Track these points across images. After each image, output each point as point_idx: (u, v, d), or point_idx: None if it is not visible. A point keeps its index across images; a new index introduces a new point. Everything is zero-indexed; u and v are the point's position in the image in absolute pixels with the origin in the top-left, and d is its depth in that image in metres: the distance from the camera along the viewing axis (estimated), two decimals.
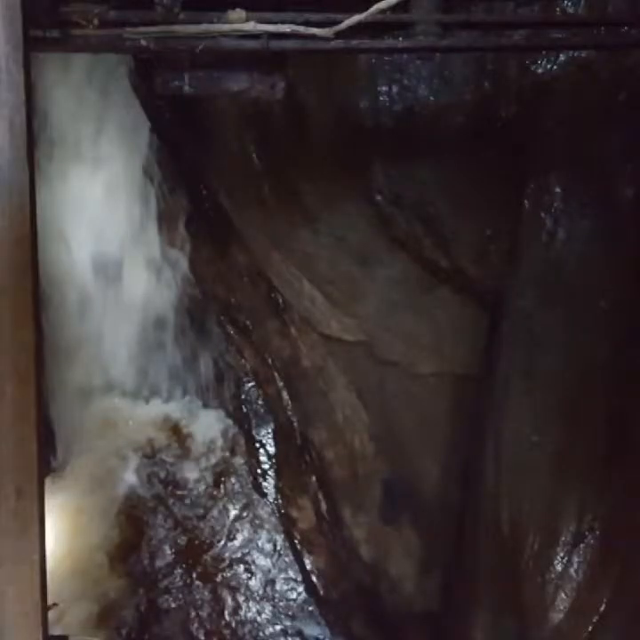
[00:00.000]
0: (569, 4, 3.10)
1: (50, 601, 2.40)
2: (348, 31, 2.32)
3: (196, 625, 4.65)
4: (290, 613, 4.70)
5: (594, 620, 3.53)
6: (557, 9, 3.10)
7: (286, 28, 2.32)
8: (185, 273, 4.88)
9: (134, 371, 4.99)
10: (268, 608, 4.72)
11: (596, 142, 3.35)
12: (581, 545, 3.55)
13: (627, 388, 3.47)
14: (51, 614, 2.40)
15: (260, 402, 4.82)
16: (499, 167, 3.59)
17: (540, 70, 3.35)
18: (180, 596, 4.68)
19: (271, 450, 4.79)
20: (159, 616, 4.63)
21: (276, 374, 4.68)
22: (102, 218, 4.73)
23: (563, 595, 3.57)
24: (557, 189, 3.46)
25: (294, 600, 4.71)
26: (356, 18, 2.28)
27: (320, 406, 4.53)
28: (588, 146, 3.37)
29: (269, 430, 4.79)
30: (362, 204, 3.94)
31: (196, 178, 4.55)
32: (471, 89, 3.47)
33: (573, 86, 3.31)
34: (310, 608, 4.69)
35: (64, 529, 4.55)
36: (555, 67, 3.33)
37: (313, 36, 2.33)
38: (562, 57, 3.30)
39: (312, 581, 4.68)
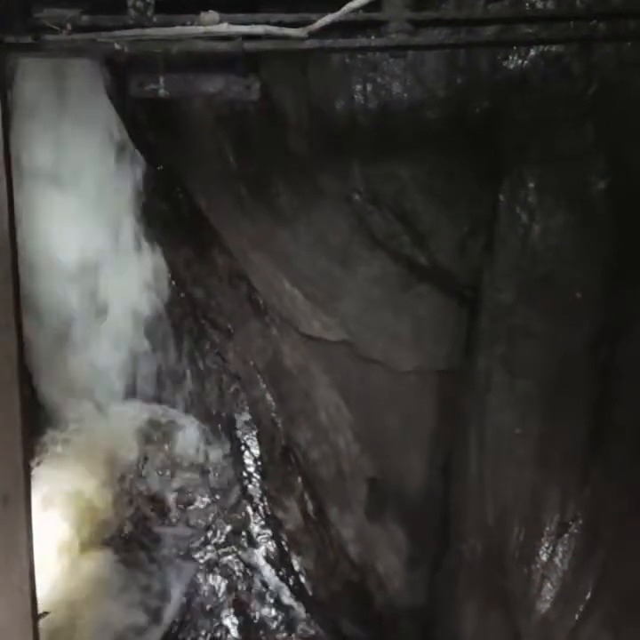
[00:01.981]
0: None
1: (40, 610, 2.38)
2: (322, 31, 2.34)
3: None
4: (279, 615, 4.71)
5: (581, 609, 3.57)
6: (527, 4, 3.14)
7: (260, 30, 2.34)
8: (164, 277, 4.87)
9: (116, 376, 4.98)
10: (256, 610, 4.72)
11: (569, 136, 3.39)
12: (566, 534, 3.59)
13: (606, 377, 3.51)
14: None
15: (243, 404, 4.81)
16: (474, 163, 3.62)
17: (511, 65, 3.38)
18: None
19: (256, 452, 4.79)
20: None
21: (258, 376, 4.68)
22: (78, 223, 4.71)
23: (549, 584, 3.60)
24: (532, 184, 3.49)
25: (283, 601, 4.72)
26: (329, 17, 2.30)
27: (304, 406, 4.54)
28: (560, 140, 3.40)
29: (254, 432, 4.78)
30: (340, 203, 3.95)
31: (173, 180, 4.55)
32: (444, 85, 3.49)
33: (544, 81, 3.35)
34: (299, 609, 4.69)
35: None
36: (525, 62, 3.36)
37: (287, 37, 2.34)
38: (532, 52, 3.33)
39: (300, 582, 4.69)
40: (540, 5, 3.12)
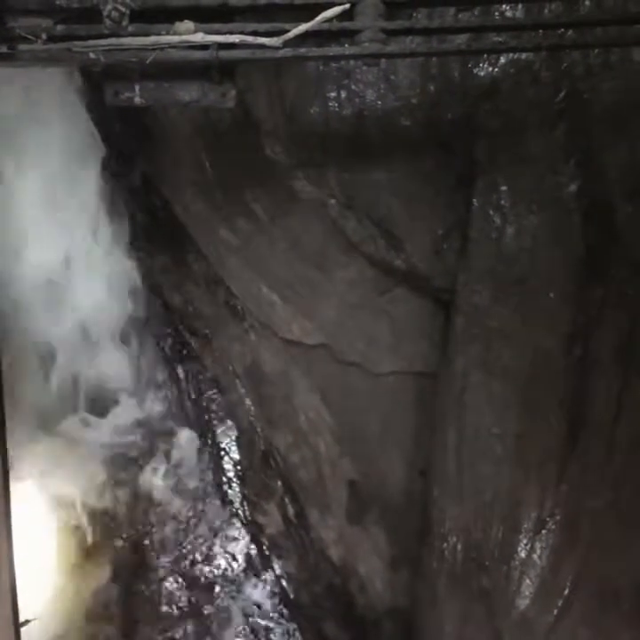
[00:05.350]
0: (507, 7, 3.19)
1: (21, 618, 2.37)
2: (296, 40, 2.37)
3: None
4: (260, 619, 4.71)
5: (559, 605, 3.62)
6: (496, 14, 3.19)
7: (235, 39, 2.36)
8: (141, 283, 4.86)
9: (92, 383, 4.95)
10: (238, 615, 4.72)
11: (540, 140, 3.45)
12: (544, 531, 3.64)
13: (580, 376, 3.57)
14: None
15: (222, 409, 4.81)
16: (447, 167, 3.67)
17: (482, 73, 3.44)
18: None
19: (235, 457, 4.79)
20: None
21: (237, 381, 4.68)
22: (53, 230, 4.69)
23: (528, 581, 3.64)
24: (504, 187, 3.55)
25: (265, 605, 4.72)
26: (304, 27, 2.33)
27: (283, 410, 4.54)
28: (531, 144, 3.46)
29: (233, 437, 4.79)
30: (316, 208, 3.98)
31: (149, 188, 4.54)
32: (417, 92, 3.53)
33: (515, 87, 3.41)
34: (281, 612, 4.70)
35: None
36: (496, 69, 3.42)
37: (261, 46, 2.36)
38: (502, 59, 3.39)
39: (282, 586, 4.69)
40: (509, 14, 3.18)
